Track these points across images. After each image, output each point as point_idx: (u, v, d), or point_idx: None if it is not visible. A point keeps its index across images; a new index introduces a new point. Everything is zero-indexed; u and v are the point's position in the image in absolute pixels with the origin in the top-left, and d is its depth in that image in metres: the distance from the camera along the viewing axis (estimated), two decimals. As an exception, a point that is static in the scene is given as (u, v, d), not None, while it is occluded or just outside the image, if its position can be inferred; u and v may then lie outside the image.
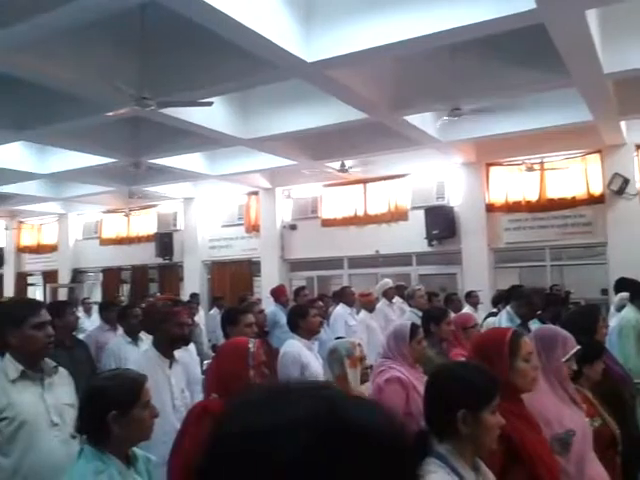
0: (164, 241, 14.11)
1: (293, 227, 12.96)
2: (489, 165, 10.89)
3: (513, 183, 10.68)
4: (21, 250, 17.47)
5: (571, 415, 2.49)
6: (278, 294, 7.71)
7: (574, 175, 10.24)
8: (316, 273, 12.83)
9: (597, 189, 9.99)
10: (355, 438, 0.65)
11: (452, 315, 4.65)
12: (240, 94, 7.86)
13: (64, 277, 16.13)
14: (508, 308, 5.55)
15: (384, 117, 7.69)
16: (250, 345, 2.46)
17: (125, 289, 15.29)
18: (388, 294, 7.65)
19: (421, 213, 11.17)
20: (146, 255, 14.42)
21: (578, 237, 10.13)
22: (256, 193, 13.24)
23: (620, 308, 5.83)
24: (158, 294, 10.86)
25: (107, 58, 6.04)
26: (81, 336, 5.56)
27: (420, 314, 5.58)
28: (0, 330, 2.53)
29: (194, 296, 10.41)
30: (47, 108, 7.30)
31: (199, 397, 3.60)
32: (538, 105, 8.19)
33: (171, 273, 14.55)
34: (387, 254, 11.72)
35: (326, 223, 12.49)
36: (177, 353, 3.36)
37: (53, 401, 2.50)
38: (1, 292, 17.19)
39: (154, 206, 14.82)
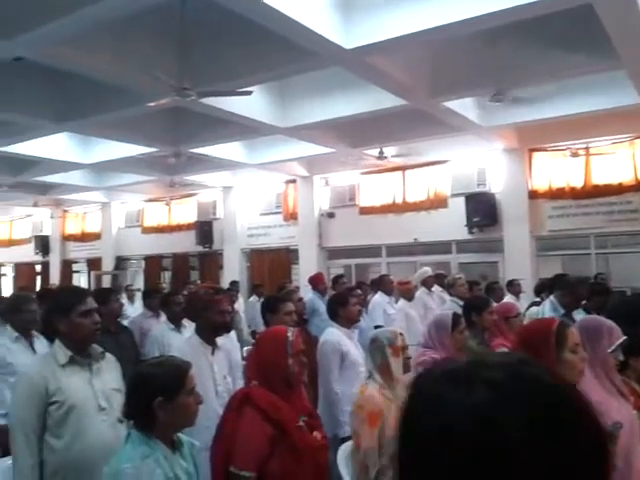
0: (204, 229, 14.30)
1: (331, 215, 12.96)
2: (532, 151, 10.63)
3: (557, 169, 10.39)
4: (66, 238, 17.93)
5: (618, 407, 2.42)
6: (316, 282, 7.73)
7: (621, 160, 9.90)
8: (354, 261, 12.82)
9: (645, 175, 9.66)
10: (571, 417, 0.67)
11: (494, 304, 4.58)
12: (278, 83, 7.86)
13: (107, 264, 16.53)
14: (552, 297, 5.45)
15: (424, 103, 7.58)
16: (289, 334, 2.47)
17: (166, 276, 15.57)
18: (427, 283, 7.58)
19: (461, 200, 11.00)
20: (187, 243, 14.64)
21: (624, 224, 9.81)
22: (294, 181, 13.27)
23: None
24: (199, 282, 11.04)
25: (148, 49, 6.12)
26: (125, 322, 5.69)
27: (461, 303, 5.53)
28: (49, 317, 2.62)
29: (234, 284, 10.54)
30: (90, 99, 7.45)
31: (240, 383, 3.65)
32: (583, 88, 7.91)
33: (211, 261, 14.74)
34: (426, 242, 11.61)
35: (364, 211, 12.43)
36: (219, 340, 3.40)
37: (101, 386, 2.57)
38: (47, 279, 17.74)
39: (194, 195, 15.01)
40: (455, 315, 3.53)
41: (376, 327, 5.99)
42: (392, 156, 10.70)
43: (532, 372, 0.70)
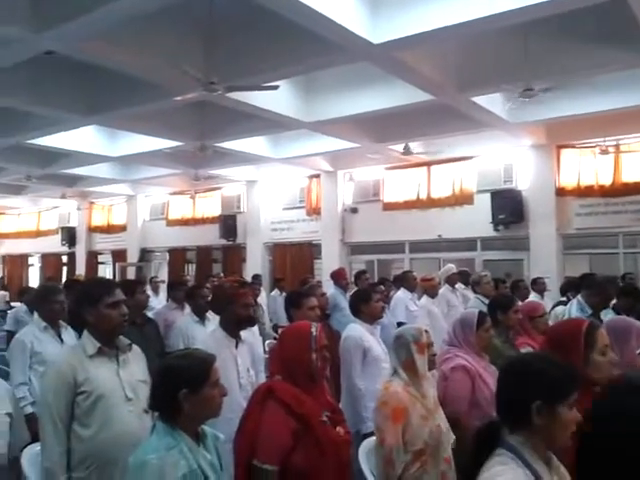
0: (228, 223, 14.39)
1: (354, 210, 12.93)
2: (560, 147, 10.46)
3: (586, 166, 10.21)
4: (92, 230, 18.19)
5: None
6: (338, 277, 7.72)
7: (652, 158, 9.70)
8: (376, 257, 12.78)
9: (677, 173, 9.44)
10: None
11: (519, 303, 4.52)
12: (303, 77, 7.85)
13: (132, 256, 16.73)
14: (579, 297, 5.36)
15: (451, 98, 7.51)
16: (312, 329, 2.47)
17: (190, 269, 15.72)
18: (451, 280, 7.52)
19: (487, 197, 10.88)
20: (210, 236, 14.74)
21: (654, 224, 9.62)
22: (318, 176, 13.27)
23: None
24: (222, 275, 11.10)
25: (176, 43, 6.16)
26: (150, 314, 5.75)
27: (485, 301, 5.47)
28: (78, 308, 2.65)
29: (256, 277, 10.58)
30: (118, 93, 7.53)
31: (262, 376, 3.68)
32: (614, 84, 7.74)
33: (234, 254, 14.83)
34: (450, 238, 11.52)
35: (388, 206, 12.38)
36: (242, 333, 3.42)
37: (127, 377, 2.60)
38: (73, 270, 18.04)
39: (218, 188, 15.10)
40: (481, 313, 3.49)
41: (398, 324, 5.98)
42: (417, 151, 10.62)
43: None
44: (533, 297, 6.96)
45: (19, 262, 20.46)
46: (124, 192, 16.17)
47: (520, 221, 10.62)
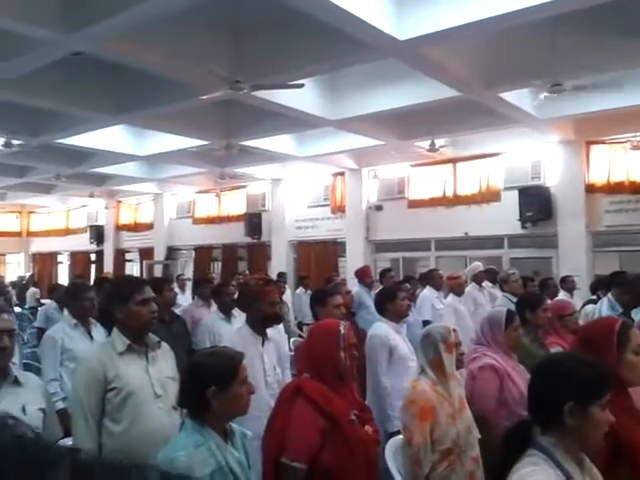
0: (253, 221, 14.46)
1: (379, 208, 12.88)
2: (589, 143, 10.26)
3: (616, 162, 10.00)
4: (120, 228, 18.45)
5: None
6: (362, 275, 7.70)
7: (685, 154, 9.47)
8: (401, 255, 12.70)
9: None
10: None
11: (548, 301, 4.45)
12: (328, 75, 7.83)
13: (159, 254, 16.93)
14: (609, 295, 5.26)
15: (478, 94, 7.42)
16: (341, 327, 2.47)
17: (216, 266, 15.84)
18: (478, 278, 7.43)
19: (514, 194, 10.73)
20: (236, 234, 14.83)
21: (686, 221, 9.40)
22: (342, 174, 13.25)
23: None
24: (247, 272, 11.16)
25: (202, 43, 6.20)
26: (177, 311, 5.81)
27: (513, 299, 5.40)
28: (108, 306, 2.69)
29: (281, 275, 10.61)
30: (145, 92, 7.62)
31: (288, 374, 3.68)
32: (646, 78, 7.59)
33: (259, 252, 14.89)
34: (477, 236, 11.40)
35: (413, 204, 12.29)
36: (268, 331, 3.43)
37: (156, 374, 2.62)
38: (101, 267, 18.34)
39: (244, 187, 15.18)
40: (509, 312, 3.45)
41: (424, 322, 5.94)
42: (443, 148, 10.53)
43: None
44: (562, 295, 6.84)
45: (49, 260, 20.87)
46: (151, 191, 16.37)
47: (548, 218, 10.45)
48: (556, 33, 5.96)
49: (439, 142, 10.28)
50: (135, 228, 18.00)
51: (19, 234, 21.53)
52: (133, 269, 17.75)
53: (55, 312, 6.18)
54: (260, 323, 3.37)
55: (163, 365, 2.69)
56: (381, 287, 6.36)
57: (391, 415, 3.82)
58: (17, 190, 16.27)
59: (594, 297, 6.74)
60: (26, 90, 7.18)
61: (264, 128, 9.34)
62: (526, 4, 4.88)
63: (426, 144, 10.19)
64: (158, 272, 16.27)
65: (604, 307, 5.19)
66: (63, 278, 18.93)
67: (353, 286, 7.68)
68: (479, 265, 7.70)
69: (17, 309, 10.86)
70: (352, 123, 8.82)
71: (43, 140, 9.72)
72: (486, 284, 7.61)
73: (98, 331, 4.12)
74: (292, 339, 6.52)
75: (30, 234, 21.60)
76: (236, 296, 4.58)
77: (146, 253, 17.36)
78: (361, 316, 6.53)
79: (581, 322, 4.50)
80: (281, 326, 4.23)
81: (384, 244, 12.93)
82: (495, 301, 6.90)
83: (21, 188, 15.75)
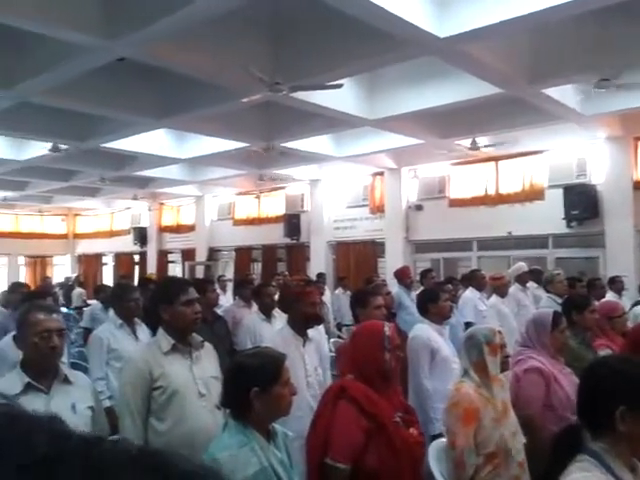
0: (292, 222, 14.52)
1: (419, 207, 12.75)
2: (638, 139, 9.95)
3: (666, 158, 9.68)
4: (162, 230, 18.79)
5: None
6: (402, 275, 7.64)
7: None
8: (442, 255, 12.55)
9: None
10: None
11: (595, 303, 4.33)
12: (367, 75, 7.78)
13: (201, 255, 17.16)
14: (661, 296, 5.08)
15: (521, 91, 7.26)
16: (385, 328, 2.45)
17: (256, 267, 15.97)
18: (522, 279, 7.26)
19: (559, 192, 10.46)
20: (275, 235, 14.92)
21: None
22: (381, 173, 13.17)
23: None
24: (286, 273, 11.22)
25: (242, 46, 6.25)
26: (219, 312, 5.88)
27: (559, 300, 5.28)
28: (154, 306, 2.74)
29: (321, 276, 10.63)
30: (187, 96, 7.73)
31: (328, 374, 3.68)
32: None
33: (298, 253, 14.94)
34: (520, 236, 11.17)
35: (454, 203, 12.13)
36: (309, 332, 3.43)
37: (200, 373, 2.66)
38: (145, 268, 18.71)
39: (282, 188, 15.26)
40: (556, 313, 3.36)
41: (467, 324, 5.85)
42: (484, 146, 10.36)
43: None
44: (610, 297, 6.64)
45: (94, 261, 21.44)
46: (192, 193, 16.61)
47: (595, 217, 10.16)
48: (602, 26, 5.79)
49: (480, 140, 10.12)
50: (177, 230, 18.30)
51: (65, 236, 22.18)
52: (175, 270, 18.04)
53: (101, 312, 6.30)
54: (301, 324, 3.37)
55: (206, 365, 2.72)
56: (422, 288, 6.29)
57: (433, 417, 3.77)
58: (63, 193, 16.72)
59: (644, 298, 6.53)
60: (72, 96, 7.36)
61: (303, 129, 9.35)
62: (569, -2, 4.75)
63: (467, 142, 10.04)
64: (200, 273, 16.51)
65: (655, 308, 5.02)
66: (108, 279, 19.40)
67: (392, 287, 7.62)
68: (523, 265, 7.53)
69: (63, 309, 11.18)
70: (391, 122, 8.75)
71: (89, 144, 9.97)
72: (530, 285, 7.44)
73: (143, 331, 4.20)
74: (332, 340, 6.52)
75: (76, 236, 22.23)
76: (277, 297, 4.60)
77: (188, 254, 17.63)
78: (401, 317, 6.48)
79: (630, 324, 4.36)
80: (322, 327, 4.23)
81: (424, 244, 12.80)
82: (539, 302, 6.75)
83: (67, 191, 16.17)
